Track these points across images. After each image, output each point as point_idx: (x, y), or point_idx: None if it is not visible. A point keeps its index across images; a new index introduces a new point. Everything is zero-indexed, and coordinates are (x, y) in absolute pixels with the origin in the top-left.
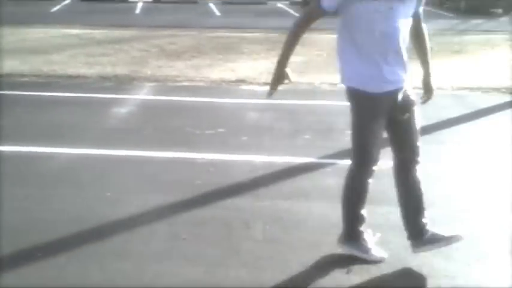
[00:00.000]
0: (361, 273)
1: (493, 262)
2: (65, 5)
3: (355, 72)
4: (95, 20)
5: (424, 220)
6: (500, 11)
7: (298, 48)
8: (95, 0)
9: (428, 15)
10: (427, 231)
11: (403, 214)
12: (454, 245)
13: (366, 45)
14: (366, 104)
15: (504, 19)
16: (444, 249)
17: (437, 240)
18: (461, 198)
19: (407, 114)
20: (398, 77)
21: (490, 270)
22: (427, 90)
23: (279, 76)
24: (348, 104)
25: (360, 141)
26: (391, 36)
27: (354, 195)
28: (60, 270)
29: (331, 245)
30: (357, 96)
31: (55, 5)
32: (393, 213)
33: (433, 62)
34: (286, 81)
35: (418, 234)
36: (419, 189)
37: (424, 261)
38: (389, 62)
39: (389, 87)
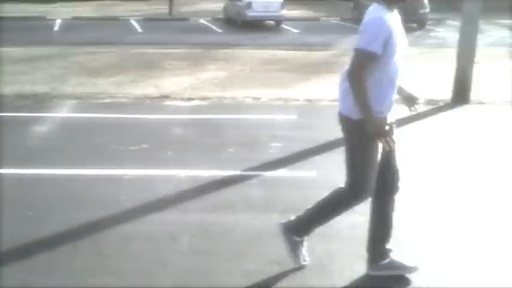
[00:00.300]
0: (286, 280)
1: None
2: None
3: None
4: (11, 38)
5: (388, 246)
6: (414, 25)
7: (221, 64)
8: (10, 19)
9: (347, 31)
10: (389, 256)
11: (370, 236)
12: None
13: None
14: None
15: (418, 33)
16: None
17: (396, 267)
18: None
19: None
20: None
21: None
22: (412, 99)
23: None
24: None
25: (362, 168)
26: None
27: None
28: None
29: (258, 254)
30: (363, 130)
31: None
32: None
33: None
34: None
35: (379, 258)
36: (392, 217)
37: (345, 264)
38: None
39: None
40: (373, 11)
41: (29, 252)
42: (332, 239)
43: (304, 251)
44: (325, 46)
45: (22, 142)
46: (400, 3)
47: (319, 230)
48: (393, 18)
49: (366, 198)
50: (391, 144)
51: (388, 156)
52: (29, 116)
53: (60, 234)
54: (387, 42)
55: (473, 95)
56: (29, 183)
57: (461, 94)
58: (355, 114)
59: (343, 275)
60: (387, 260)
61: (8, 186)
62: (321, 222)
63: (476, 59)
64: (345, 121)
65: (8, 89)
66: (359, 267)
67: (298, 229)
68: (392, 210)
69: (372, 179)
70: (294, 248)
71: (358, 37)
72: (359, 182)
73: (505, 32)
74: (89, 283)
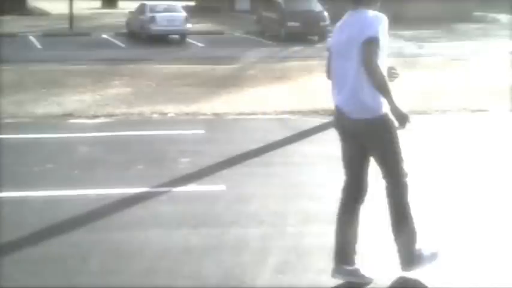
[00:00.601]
0: None
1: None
2: None
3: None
4: None
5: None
6: (316, 38)
7: (126, 79)
8: None
9: (252, 44)
10: (354, 263)
11: (339, 240)
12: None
13: None
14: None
15: (319, 45)
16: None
17: (357, 276)
18: (290, 215)
19: None
20: None
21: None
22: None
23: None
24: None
25: (401, 156)
26: None
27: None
28: None
29: (170, 270)
30: (390, 120)
31: None
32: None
33: (258, 89)
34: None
35: (345, 263)
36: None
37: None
38: None
39: None
40: (362, 13)
41: None
42: (242, 251)
43: None
44: (231, 59)
45: None
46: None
47: (229, 244)
48: None
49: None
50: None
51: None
52: None
53: None
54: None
55: None
56: None
57: None
58: (380, 110)
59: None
60: (352, 267)
61: None
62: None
63: None
64: (367, 123)
65: None
66: (270, 277)
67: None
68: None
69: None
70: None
71: (357, 30)
72: (403, 168)
73: (400, 42)
74: None
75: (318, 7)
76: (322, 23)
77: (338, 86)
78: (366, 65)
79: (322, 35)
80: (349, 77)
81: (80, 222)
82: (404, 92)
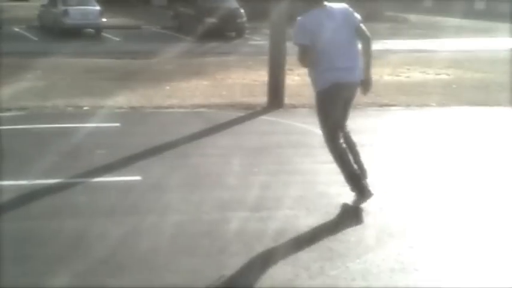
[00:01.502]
0: (121, 277)
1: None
2: None
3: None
4: None
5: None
6: (233, 34)
7: (39, 73)
8: None
9: (169, 40)
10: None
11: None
12: None
13: None
14: None
15: (237, 41)
16: None
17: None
18: (205, 203)
19: None
20: None
21: None
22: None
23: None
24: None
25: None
26: None
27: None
28: None
29: (83, 256)
30: None
31: None
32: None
33: (175, 83)
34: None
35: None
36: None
37: None
38: None
39: None
40: (335, 5)
41: None
42: (158, 237)
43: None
44: (148, 54)
45: None
46: None
47: (145, 231)
48: None
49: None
50: None
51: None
52: None
53: None
54: None
55: (287, 99)
56: None
57: (275, 99)
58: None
59: (168, 269)
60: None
61: None
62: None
63: (289, 66)
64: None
65: None
66: (183, 261)
67: (358, 190)
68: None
69: None
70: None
71: (352, 14)
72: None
73: None
74: None
75: (234, 4)
76: (239, 20)
77: (343, 61)
78: (369, 38)
79: (240, 32)
80: (354, 52)
81: None
82: None
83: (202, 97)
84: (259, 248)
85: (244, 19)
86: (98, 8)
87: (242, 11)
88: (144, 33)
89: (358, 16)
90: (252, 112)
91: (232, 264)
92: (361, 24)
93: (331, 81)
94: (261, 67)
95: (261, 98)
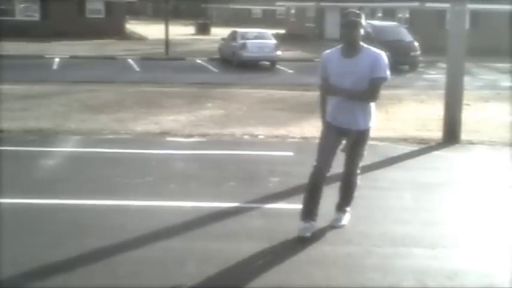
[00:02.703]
0: None
1: None
2: None
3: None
4: (11, 76)
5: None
6: (406, 68)
7: (219, 102)
8: (9, 57)
9: None
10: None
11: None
12: None
13: None
14: None
15: (411, 75)
16: None
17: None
18: (377, 236)
19: None
20: None
21: None
22: None
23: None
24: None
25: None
26: None
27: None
28: None
29: (258, 278)
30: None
31: None
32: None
33: None
34: None
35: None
36: None
37: None
38: None
39: None
40: (369, 47)
41: (46, 274)
42: (330, 266)
43: None
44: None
45: (30, 174)
46: None
47: (317, 258)
48: None
49: None
50: None
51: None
52: (35, 150)
53: (75, 258)
54: None
55: (464, 135)
56: (41, 212)
57: (451, 134)
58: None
59: None
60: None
61: (20, 215)
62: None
63: (466, 101)
64: (365, 132)
65: (14, 125)
66: None
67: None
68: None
69: None
70: None
71: (376, 68)
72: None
73: (495, 75)
74: None
75: (408, 37)
76: (413, 53)
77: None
78: (371, 98)
79: (413, 65)
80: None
81: (176, 231)
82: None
83: (373, 129)
84: (433, 285)
85: (419, 52)
86: (274, 41)
87: (417, 44)
88: (316, 66)
89: (384, 71)
90: (426, 147)
91: None
92: (379, 81)
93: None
94: (436, 101)
95: (436, 132)
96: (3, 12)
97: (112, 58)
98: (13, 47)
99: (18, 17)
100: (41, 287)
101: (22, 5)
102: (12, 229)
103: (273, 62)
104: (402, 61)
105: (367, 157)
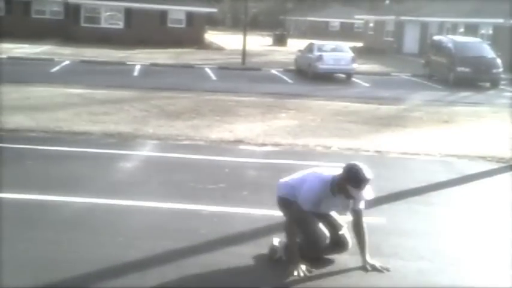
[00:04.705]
0: None
1: None
2: (65, 66)
3: None
4: (94, 81)
5: None
6: (487, 85)
7: (293, 113)
8: (94, 63)
9: (419, 87)
10: None
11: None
12: None
13: None
14: None
15: (491, 92)
16: None
17: None
18: (449, 253)
19: None
20: None
21: None
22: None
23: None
24: None
25: None
26: None
27: None
28: None
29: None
30: None
31: (54, 66)
32: None
33: (423, 130)
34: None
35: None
36: None
37: None
38: None
39: None
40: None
41: (121, 272)
42: (400, 281)
43: None
44: (396, 100)
45: (109, 176)
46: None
47: (388, 273)
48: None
49: None
50: None
51: None
52: (114, 153)
53: (147, 259)
54: None
55: None
56: (117, 212)
57: None
58: None
59: None
60: None
61: (98, 215)
62: None
63: None
64: None
65: (95, 128)
66: None
67: None
68: None
69: None
70: None
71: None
72: None
73: None
74: None
75: (490, 53)
76: (494, 70)
77: None
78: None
79: (495, 82)
80: None
81: (247, 237)
82: None
83: (450, 146)
84: None
85: (501, 69)
86: (350, 54)
87: (499, 61)
88: (393, 80)
89: (363, 202)
90: (505, 166)
91: None
92: (361, 210)
93: None
94: None
95: None
96: (90, 20)
97: (190, 67)
98: (97, 53)
99: (104, 24)
100: (115, 286)
101: (108, 13)
102: (89, 228)
103: (349, 75)
104: (483, 78)
105: (442, 173)
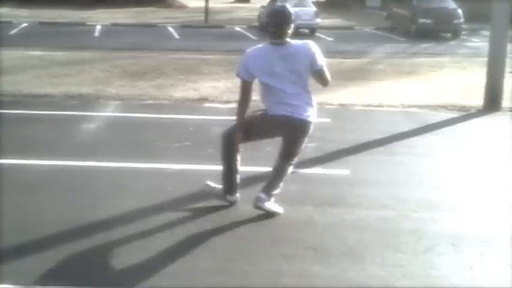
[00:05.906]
0: (320, 265)
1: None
2: (23, 28)
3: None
4: (54, 42)
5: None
6: (449, 35)
7: None
8: (53, 24)
9: (381, 40)
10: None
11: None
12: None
13: None
14: None
15: (453, 43)
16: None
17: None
18: (412, 201)
19: None
20: None
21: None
22: None
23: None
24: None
25: None
26: None
27: None
28: (46, 263)
29: (294, 240)
30: None
31: (13, 29)
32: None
33: (386, 83)
34: None
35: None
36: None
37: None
38: None
39: None
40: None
41: (86, 233)
42: (364, 229)
43: None
44: (360, 54)
45: (72, 138)
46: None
47: (351, 222)
48: None
49: None
50: None
51: None
52: (76, 115)
53: (113, 218)
54: None
55: (506, 102)
56: (81, 174)
57: (492, 101)
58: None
59: (374, 261)
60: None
61: (62, 177)
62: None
63: (509, 69)
64: (306, 124)
65: (56, 90)
66: (389, 255)
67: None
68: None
69: None
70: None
71: (317, 58)
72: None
73: None
74: (142, 260)
75: (451, 4)
76: (456, 21)
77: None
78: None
79: (456, 33)
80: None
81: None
82: None
83: (413, 97)
84: (467, 250)
85: (462, 20)
86: (314, 9)
87: (460, 11)
88: (356, 34)
89: (320, 58)
90: (466, 114)
91: (440, 264)
92: (323, 68)
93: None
94: (478, 69)
95: (476, 100)
96: None
97: (152, 26)
98: (56, 14)
99: None
100: (80, 245)
101: None
102: (54, 190)
103: (313, 29)
104: (445, 29)
105: (405, 123)
